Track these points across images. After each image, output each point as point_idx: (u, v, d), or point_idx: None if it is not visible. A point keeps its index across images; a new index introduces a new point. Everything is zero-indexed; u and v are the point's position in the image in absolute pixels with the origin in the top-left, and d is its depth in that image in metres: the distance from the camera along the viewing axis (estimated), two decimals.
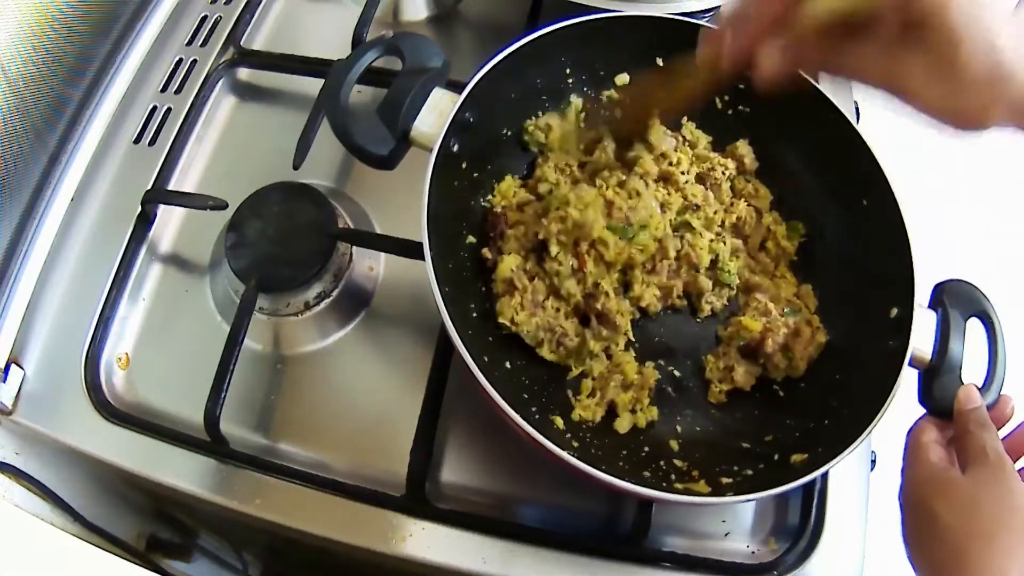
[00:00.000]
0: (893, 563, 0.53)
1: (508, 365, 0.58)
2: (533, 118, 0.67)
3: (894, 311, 0.56)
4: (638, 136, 0.63)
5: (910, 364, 0.54)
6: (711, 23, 0.69)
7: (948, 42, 0.36)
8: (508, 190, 0.64)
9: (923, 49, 0.37)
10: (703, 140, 0.68)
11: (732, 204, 0.66)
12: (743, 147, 0.67)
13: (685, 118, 0.69)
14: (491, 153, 0.64)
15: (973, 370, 0.55)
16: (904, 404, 0.53)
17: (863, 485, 0.61)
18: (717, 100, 0.68)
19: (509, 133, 0.66)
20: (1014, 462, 0.50)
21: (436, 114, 0.57)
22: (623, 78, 0.67)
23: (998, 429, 0.53)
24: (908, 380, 0.53)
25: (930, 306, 0.57)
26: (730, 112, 0.68)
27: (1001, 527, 0.46)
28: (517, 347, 0.60)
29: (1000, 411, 0.54)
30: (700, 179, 0.66)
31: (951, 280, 0.58)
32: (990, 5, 0.36)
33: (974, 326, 0.57)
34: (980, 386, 0.55)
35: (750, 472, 0.55)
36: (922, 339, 0.55)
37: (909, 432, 0.55)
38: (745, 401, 0.61)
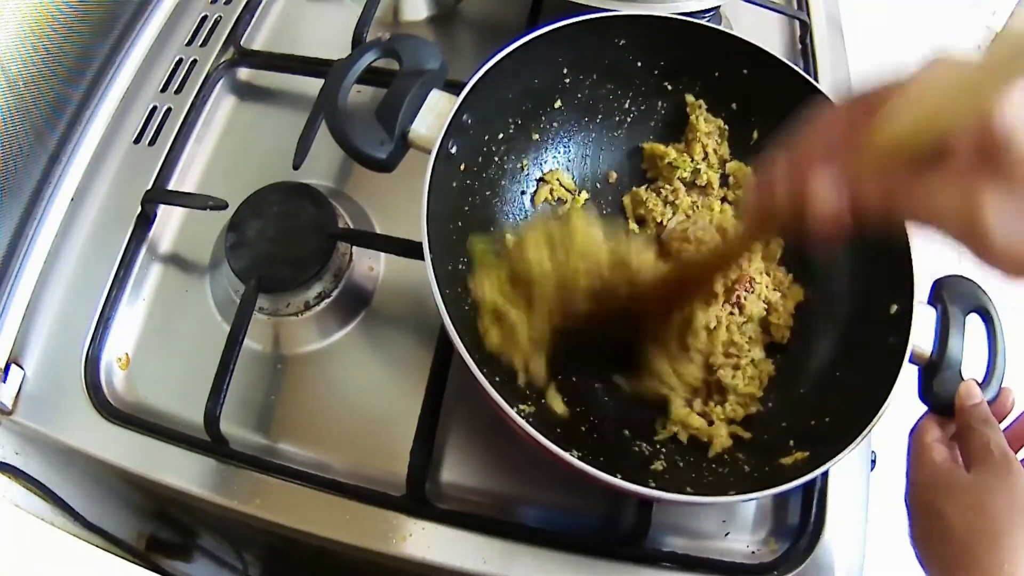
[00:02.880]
0: (893, 563, 0.53)
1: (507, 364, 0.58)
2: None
3: (893, 307, 0.56)
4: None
5: (910, 360, 0.54)
6: (711, 23, 0.69)
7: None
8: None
9: (1001, 179, 0.31)
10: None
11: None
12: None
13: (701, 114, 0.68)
14: (489, 154, 0.64)
15: (973, 366, 0.55)
16: (904, 403, 0.53)
17: (863, 485, 0.61)
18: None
19: (506, 135, 0.65)
20: (1016, 452, 0.50)
21: (434, 116, 0.57)
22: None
23: (999, 422, 0.53)
24: (907, 379, 0.53)
25: (929, 302, 0.57)
26: (733, 107, 0.68)
27: (1008, 525, 0.46)
28: None
29: (1001, 404, 0.54)
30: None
31: (950, 276, 0.58)
32: None
33: (973, 322, 0.57)
34: (980, 382, 0.55)
35: (750, 471, 0.55)
36: (922, 335, 0.55)
37: (911, 433, 0.55)
38: None
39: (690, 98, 0.68)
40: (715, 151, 0.68)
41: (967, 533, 0.47)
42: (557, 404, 0.57)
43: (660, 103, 0.69)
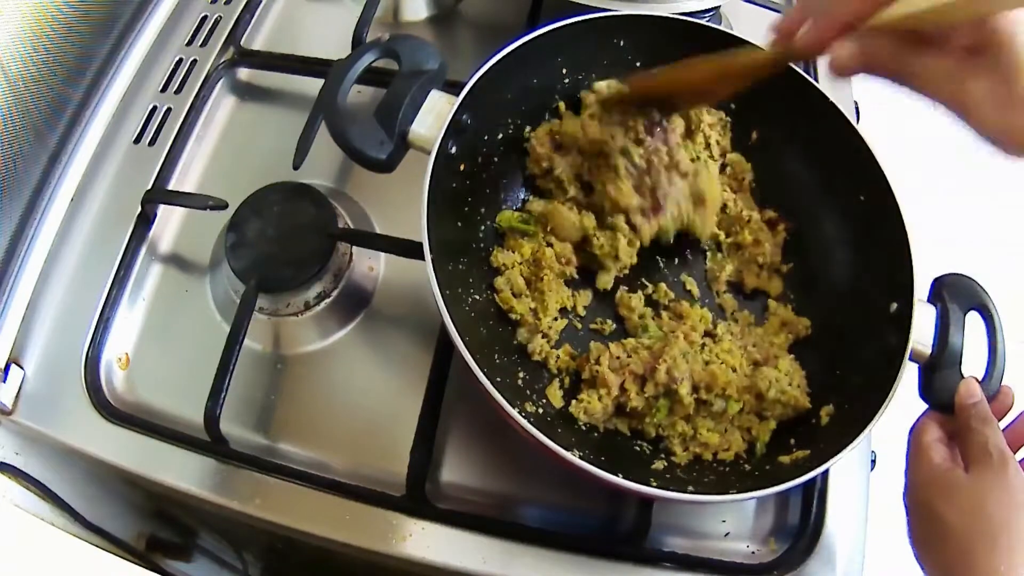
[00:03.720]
0: (893, 563, 0.53)
1: (508, 363, 0.58)
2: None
3: (893, 306, 0.56)
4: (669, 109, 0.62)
5: (910, 358, 0.54)
6: (711, 23, 0.69)
7: (1013, 65, 0.37)
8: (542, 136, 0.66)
9: (988, 69, 0.39)
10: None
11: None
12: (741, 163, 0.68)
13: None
14: (488, 154, 0.64)
15: (973, 363, 0.55)
16: (904, 402, 0.53)
17: (863, 485, 0.61)
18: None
19: (504, 135, 0.66)
20: (1015, 452, 0.50)
21: (434, 116, 0.57)
22: (609, 84, 0.65)
23: (999, 420, 0.53)
24: (908, 377, 0.53)
25: (929, 300, 0.57)
26: (732, 107, 0.68)
27: (1006, 527, 0.46)
28: (518, 346, 0.60)
29: (1001, 402, 0.55)
30: None
31: (950, 274, 0.58)
32: None
33: (973, 319, 0.57)
34: (980, 379, 0.55)
35: (751, 470, 0.55)
36: (922, 333, 0.55)
37: (911, 432, 0.55)
38: None
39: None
40: (717, 142, 0.67)
41: (965, 534, 0.47)
42: (556, 399, 0.58)
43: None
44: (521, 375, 0.58)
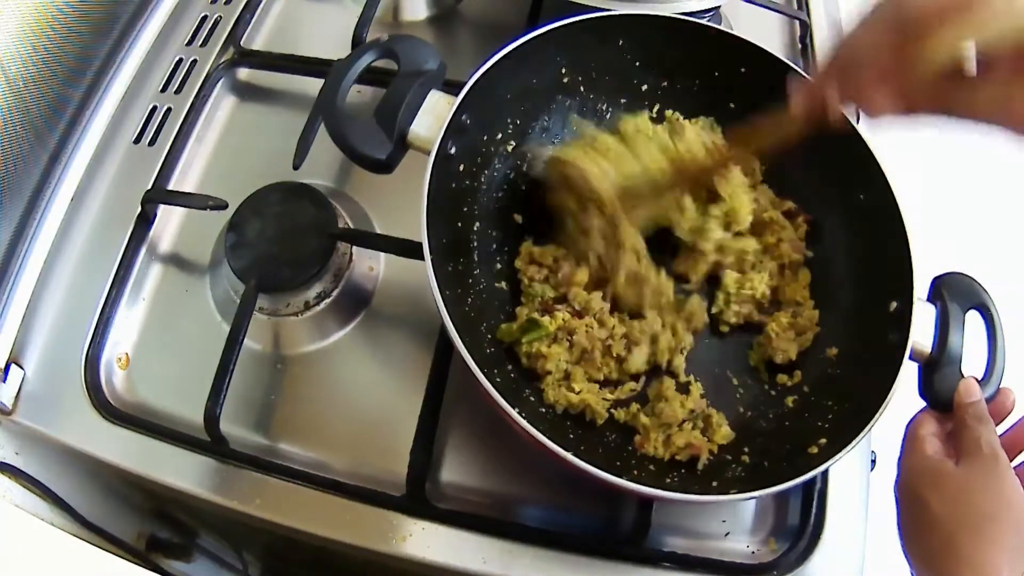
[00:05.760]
0: (893, 563, 0.53)
1: (509, 366, 0.58)
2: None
3: (893, 304, 0.56)
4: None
5: (910, 357, 0.54)
6: (711, 22, 0.69)
7: None
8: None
9: None
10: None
11: None
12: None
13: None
14: (488, 154, 0.64)
15: (972, 362, 0.55)
16: (903, 402, 0.53)
17: (863, 485, 0.61)
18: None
19: (504, 135, 0.65)
20: (1012, 458, 0.50)
21: (433, 117, 0.57)
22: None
23: (999, 422, 0.53)
24: (908, 377, 0.53)
25: (929, 299, 0.57)
26: (731, 106, 0.68)
27: (991, 519, 0.46)
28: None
29: (1000, 404, 0.55)
30: None
31: (950, 273, 0.58)
32: None
33: (973, 319, 0.57)
34: (980, 379, 0.55)
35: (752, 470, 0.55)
36: (922, 332, 0.55)
37: (908, 424, 0.55)
38: None
39: (668, 112, 0.68)
40: (714, 143, 0.67)
41: (950, 523, 0.47)
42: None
43: (658, 103, 0.69)
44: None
